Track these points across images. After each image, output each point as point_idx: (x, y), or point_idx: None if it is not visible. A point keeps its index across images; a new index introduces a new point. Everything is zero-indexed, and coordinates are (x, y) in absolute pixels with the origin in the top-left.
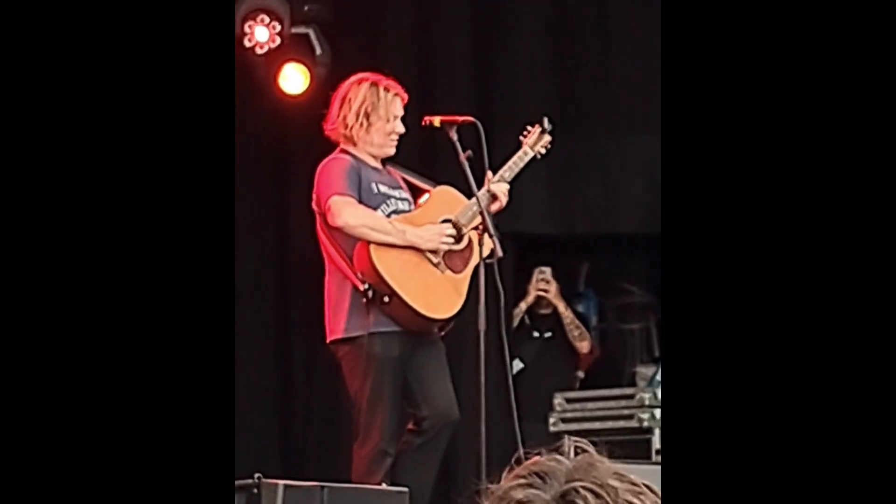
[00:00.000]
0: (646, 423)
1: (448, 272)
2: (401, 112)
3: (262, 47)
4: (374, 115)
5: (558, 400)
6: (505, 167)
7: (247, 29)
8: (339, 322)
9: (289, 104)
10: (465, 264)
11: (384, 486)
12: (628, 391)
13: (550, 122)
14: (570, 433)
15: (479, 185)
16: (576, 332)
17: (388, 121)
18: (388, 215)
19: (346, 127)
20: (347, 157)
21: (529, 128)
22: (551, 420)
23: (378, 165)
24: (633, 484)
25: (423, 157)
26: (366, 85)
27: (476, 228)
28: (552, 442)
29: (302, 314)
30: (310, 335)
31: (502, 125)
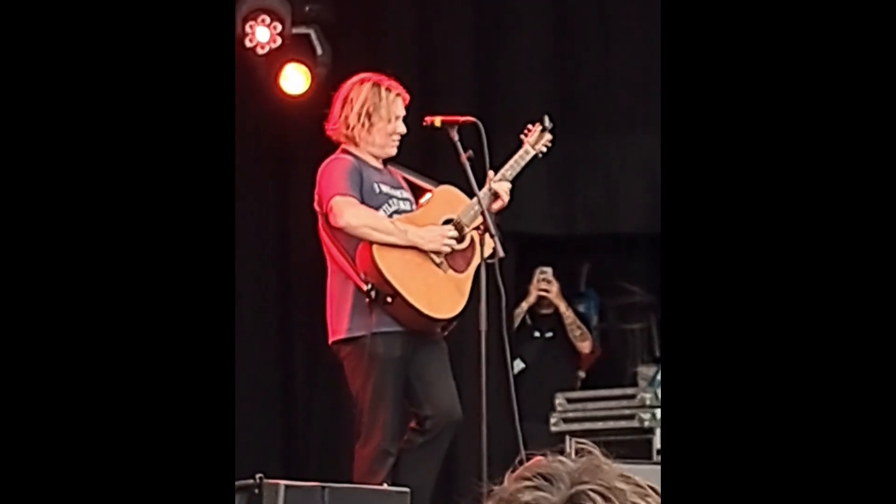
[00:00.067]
0: (647, 423)
1: (451, 272)
2: (402, 112)
3: (263, 47)
4: (375, 115)
5: (559, 400)
6: (506, 166)
7: (248, 29)
8: (341, 322)
9: (290, 104)
10: (468, 264)
11: (385, 486)
12: (629, 391)
13: (551, 120)
14: (572, 433)
15: (481, 184)
16: (577, 333)
17: (389, 121)
18: (390, 215)
19: (347, 127)
20: (349, 157)
21: (530, 126)
22: (552, 420)
23: (379, 165)
24: (639, 486)
25: (424, 157)
26: (368, 85)
27: (477, 228)
28: (553, 442)
29: (303, 314)
30: (311, 335)
31: (503, 125)
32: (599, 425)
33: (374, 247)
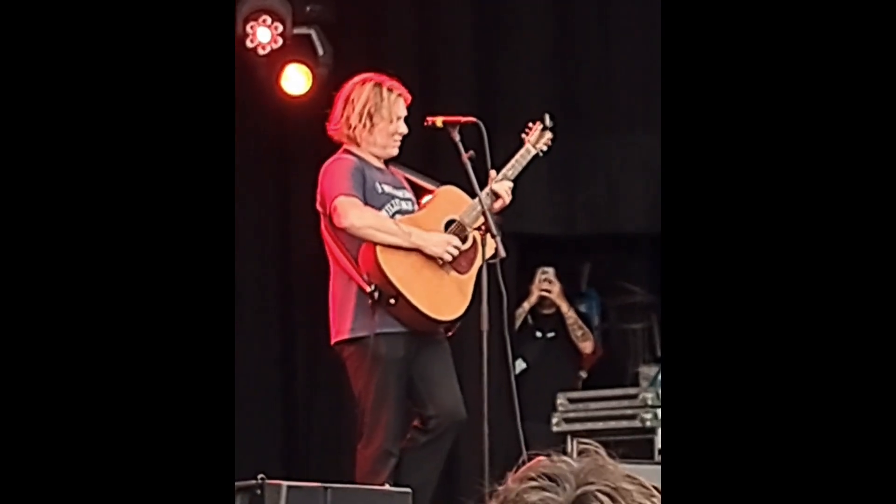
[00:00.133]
0: (648, 423)
1: (453, 273)
2: (404, 112)
3: (264, 48)
4: (377, 115)
5: (561, 400)
6: (508, 165)
7: (249, 30)
8: (344, 323)
9: (291, 105)
10: (470, 265)
11: (387, 486)
12: (631, 391)
13: (552, 119)
14: (573, 433)
15: (483, 184)
16: (579, 333)
17: (391, 121)
18: (393, 215)
19: (349, 127)
20: (352, 157)
21: (531, 125)
22: (554, 420)
23: (381, 166)
24: (644, 486)
25: (425, 158)
26: (369, 85)
27: (479, 229)
28: (555, 442)
29: (305, 315)
30: (313, 336)
31: (504, 125)
32: (601, 425)
33: (378, 248)
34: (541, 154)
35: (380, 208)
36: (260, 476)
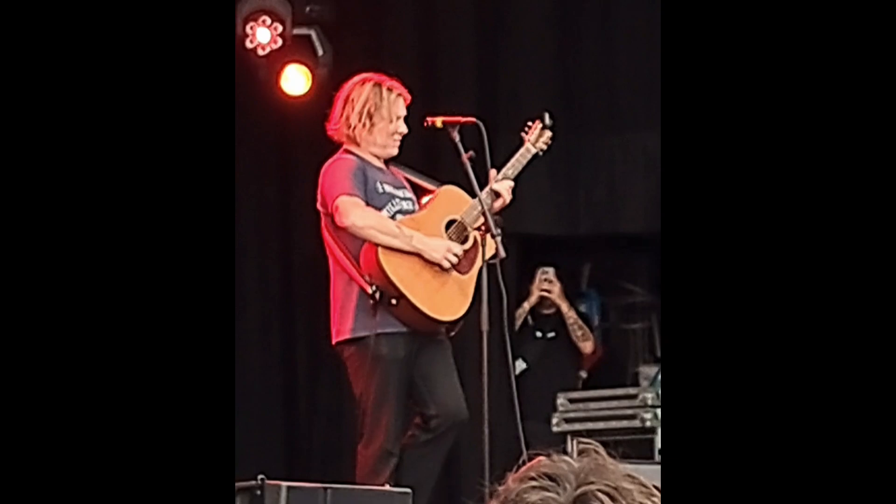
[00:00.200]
0: (648, 423)
1: (454, 273)
2: (404, 112)
3: (263, 48)
4: (377, 115)
5: (561, 400)
6: (508, 165)
7: (248, 30)
8: (345, 323)
9: (291, 105)
10: (472, 265)
11: (387, 487)
12: (631, 391)
13: (552, 118)
14: (573, 433)
15: (482, 185)
16: (579, 333)
17: (391, 121)
18: (393, 215)
19: (349, 127)
20: (352, 157)
21: (531, 123)
22: (554, 420)
23: (381, 165)
24: (644, 486)
25: (425, 158)
26: (369, 85)
27: (479, 229)
28: (555, 442)
29: (305, 315)
30: (313, 336)
31: (505, 125)
32: (601, 425)
33: (379, 248)
34: (540, 153)
35: (381, 208)
36: (260, 476)
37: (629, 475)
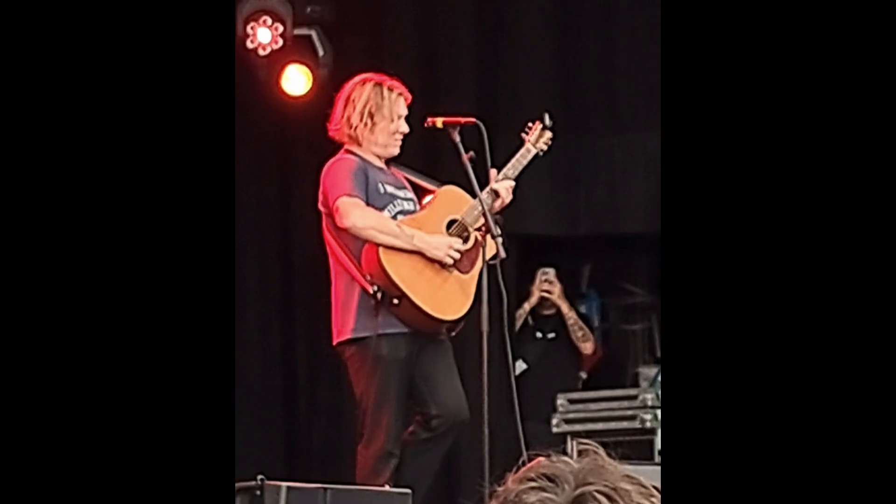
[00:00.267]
0: (648, 424)
1: (456, 273)
2: (405, 112)
3: (264, 49)
4: (378, 115)
5: (561, 401)
6: (508, 165)
7: (249, 30)
8: (346, 323)
9: (291, 105)
10: (473, 265)
11: (387, 487)
12: (631, 392)
13: (552, 118)
14: (573, 434)
15: (483, 185)
16: (579, 333)
17: (392, 121)
18: (394, 216)
19: (350, 127)
20: (354, 157)
21: (531, 124)
22: (554, 421)
23: (382, 165)
24: (643, 486)
25: (426, 158)
26: (370, 85)
27: (480, 229)
28: (555, 442)
29: (305, 315)
30: (313, 336)
31: (505, 125)
32: (601, 426)
33: (381, 248)
34: (541, 153)
35: (382, 209)
36: (260, 477)
37: (628, 476)
